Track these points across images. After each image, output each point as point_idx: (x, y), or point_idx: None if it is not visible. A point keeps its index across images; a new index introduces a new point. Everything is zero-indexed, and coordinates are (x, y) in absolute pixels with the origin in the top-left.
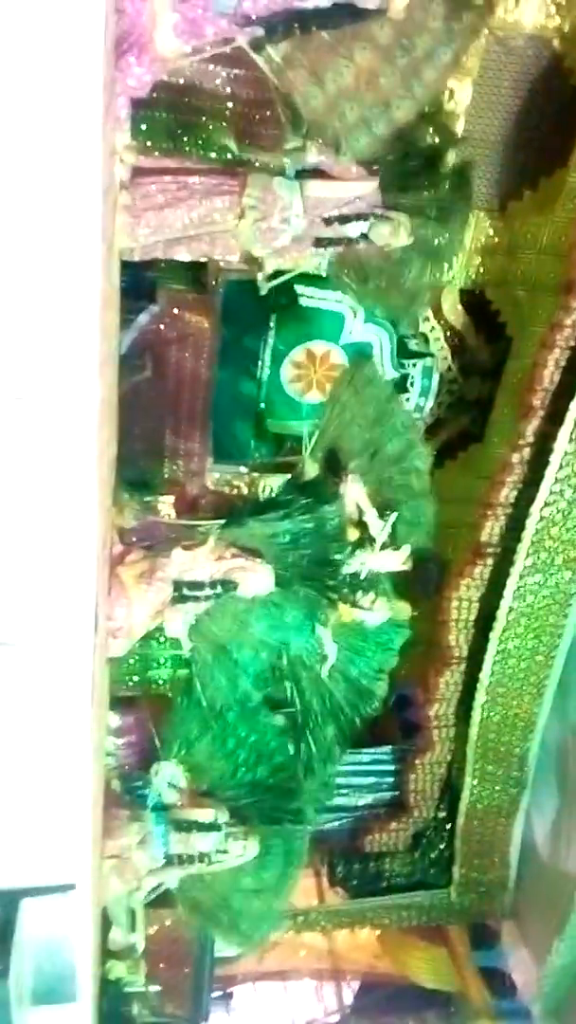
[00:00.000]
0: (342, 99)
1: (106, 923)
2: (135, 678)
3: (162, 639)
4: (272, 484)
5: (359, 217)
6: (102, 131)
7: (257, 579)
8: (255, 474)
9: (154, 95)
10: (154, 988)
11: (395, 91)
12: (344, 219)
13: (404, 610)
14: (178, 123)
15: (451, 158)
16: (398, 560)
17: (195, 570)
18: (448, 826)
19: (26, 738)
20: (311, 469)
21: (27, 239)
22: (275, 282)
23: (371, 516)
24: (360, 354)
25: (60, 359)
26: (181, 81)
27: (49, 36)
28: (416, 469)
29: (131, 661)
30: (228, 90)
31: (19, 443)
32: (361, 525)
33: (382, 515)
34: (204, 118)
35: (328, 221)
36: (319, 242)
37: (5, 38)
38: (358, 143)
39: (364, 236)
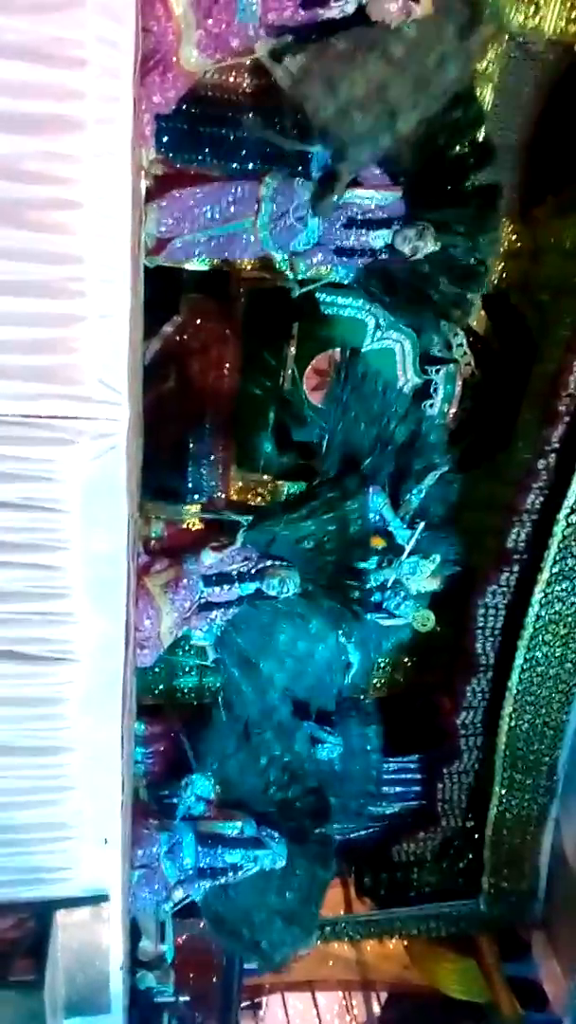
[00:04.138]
0: (353, 109)
1: (135, 933)
2: (160, 687)
3: (187, 647)
4: (295, 491)
5: (382, 224)
6: (130, 150)
7: (286, 575)
8: (278, 481)
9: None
10: (183, 998)
11: (403, 102)
12: (368, 225)
13: (428, 619)
14: (199, 132)
15: (479, 173)
16: (427, 570)
17: (225, 568)
18: (476, 835)
19: (58, 751)
20: (329, 471)
21: (57, 259)
22: (305, 289)
23: (396, 525)
24: (381, 359)
25: (90, 377)
26: (201, 92)
27: (83, 60)
28: (431, 444)
29: (156, 670)
30: (248, 99)
31: (53, 458)
32: (387, 534)
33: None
34: (224, 127)
35: (349, 226)
36: (341, 251)
37: (44, 68)
38: (363, 153)
39: (388, 248)
